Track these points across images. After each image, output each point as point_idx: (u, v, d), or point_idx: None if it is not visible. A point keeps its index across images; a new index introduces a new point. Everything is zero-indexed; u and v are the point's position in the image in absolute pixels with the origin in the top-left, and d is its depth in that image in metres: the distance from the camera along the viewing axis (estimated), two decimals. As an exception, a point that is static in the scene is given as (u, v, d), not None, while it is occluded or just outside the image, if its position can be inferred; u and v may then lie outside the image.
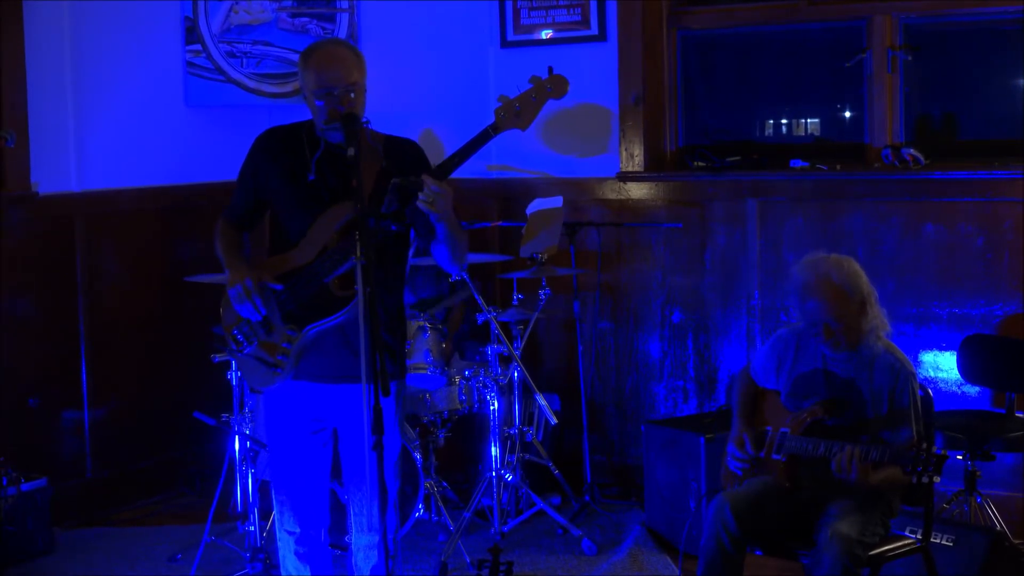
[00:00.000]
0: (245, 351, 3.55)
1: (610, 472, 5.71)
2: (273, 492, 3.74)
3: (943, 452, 3.52)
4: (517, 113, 3.42)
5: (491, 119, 3.42)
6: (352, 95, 3.41)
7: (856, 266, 3.77)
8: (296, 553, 3.70)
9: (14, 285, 5.18)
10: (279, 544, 3.75)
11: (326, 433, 3.65)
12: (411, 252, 5.23)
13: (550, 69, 3.49)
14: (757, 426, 3.93)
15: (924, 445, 3.55)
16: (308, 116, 3.56)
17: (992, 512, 4.45)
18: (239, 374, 4.62)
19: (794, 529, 3.77)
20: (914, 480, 3.52)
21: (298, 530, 3.68)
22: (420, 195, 3.28)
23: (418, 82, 5.86)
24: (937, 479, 3.52)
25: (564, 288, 5.54)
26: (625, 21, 5.52)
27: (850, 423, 3.75)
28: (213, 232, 3.63)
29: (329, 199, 3.44)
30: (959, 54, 5.23)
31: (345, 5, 5.77)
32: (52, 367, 5.35)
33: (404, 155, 3.52)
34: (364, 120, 3.43)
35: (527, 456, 5.20)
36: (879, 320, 3.75)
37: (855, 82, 5.27)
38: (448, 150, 5.71)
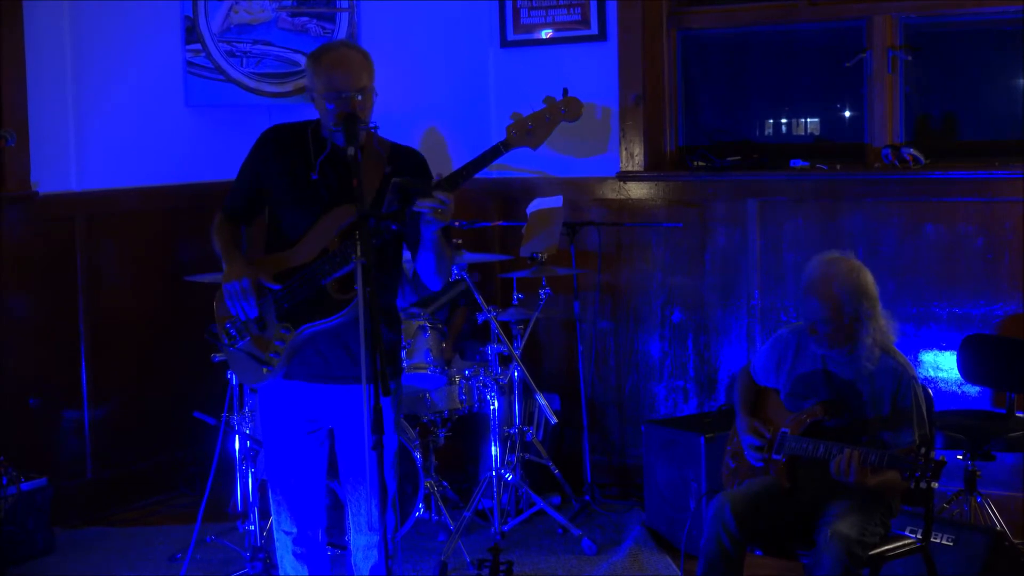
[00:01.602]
0: (237, 345, 3.55)
1: (610, 472, 5.72)
2: (270, 492, 3.74)
3: (941, 458, 3.52)
4: (529, 131, 3.42)
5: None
6: (360, 98, 3.42)
7: (864, 280, 3.71)
8: (294, 553, 3.70)
9: (14, 285, 5.18)
10: (277, 544, 3.75)
11: (322, 433, 3.65)
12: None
13: (565, 91, 3.48)
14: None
15: (923, 450, 3.55)
16: (311, 114, 3.56)
17: (992, 512, 4.45)
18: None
19: (794, 529, 3.78)
20: (912, 485, 3.52)
21: (295, 530, 3.68)
22: (426, 203, 3.27)
23: (418, 82, 5.85)
24: (935, 485, 3.52)
25: (564, 288, 5.54)
26: (625, 21, 5.53)
27: (850, 424, 3.75)
28: (210, 226, 3.63)
29: (329, 199, 3.44)
30: (959, 54, 5.23)
31: (345, 5, 5.77)
32: (52, 367, 5.35)
33: (408, 163, 3.53)
34: (373, 125, 3.44)
35: (527, 456, 5.20)
36: (882, 333, 3.73)
37: (855, 82, 5.27)
38: (449, 148, 5.74)
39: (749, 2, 5.49)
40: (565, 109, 3.45)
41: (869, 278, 3.75)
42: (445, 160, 5.51)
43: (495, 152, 3.39)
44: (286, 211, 3.52)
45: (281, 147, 3.54)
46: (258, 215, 3.67)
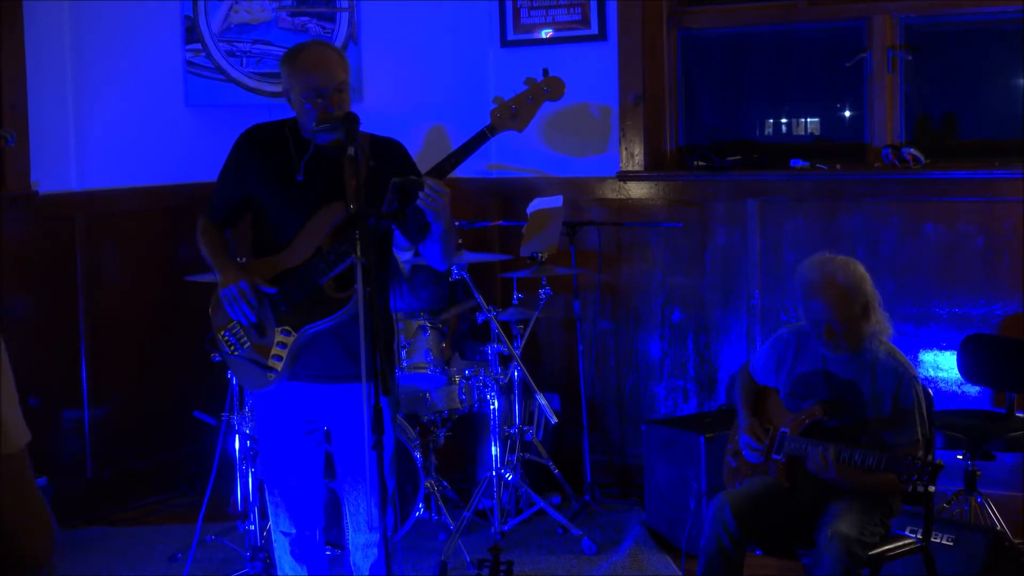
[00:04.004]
0: (238, 353, 3.54)
1: (610, 472, 5.71)
2: (267, 494, 3.73)
3: (939, 461, 3.52)
4: (513, 115, 3.42)
5: (489, 120, 3.42)
6: (339, 94, 3.41)
7: (862, 269, 3.77)
8: (292, 554, 3.70)
9: (14, 285, 5.18)
10: (275, 545, 3.75)
11: (319, 433, 3.65)
12: (411, 253, 5.25)
13: (545, 71, 3.49)
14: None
15: (920, 453, 3.55)
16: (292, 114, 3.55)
17: (992, 512, 4.45)
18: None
19: (794, 529, 3.78)
20: (909, 489, 3.53)
21: (294, 531, 3.67)
22: (421, 194, 3.28)
23: (418, 81, 5.85)
24: (932, 489, 3.51)
25: (564, 288, 5.54)
26: (625, 21, 5.52)
27: (850, 424, 3.75)
28: (195, 231, 3.62)
29: (317, 200, 3.43)
30: (959, 54, 5.23)
31: (345, 4, 5.77)
32: (52, 367, 5.34)
33: (390, 154, 3.52)
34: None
35: (527, 455, 5.20)
36: (881, 324, 3.75)
37: (855, 82, 5.27)
38: (449, 147, 5.73)
39: (749, 2, 5.48)
40: (548, 89, 3.46)
41: (862, 267, 3.78)
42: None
43: (481, 137, 3.39)
44: (273, 213, 3.50)
45: (262, 149, 3.52)
46: (243, 218, 3.65)
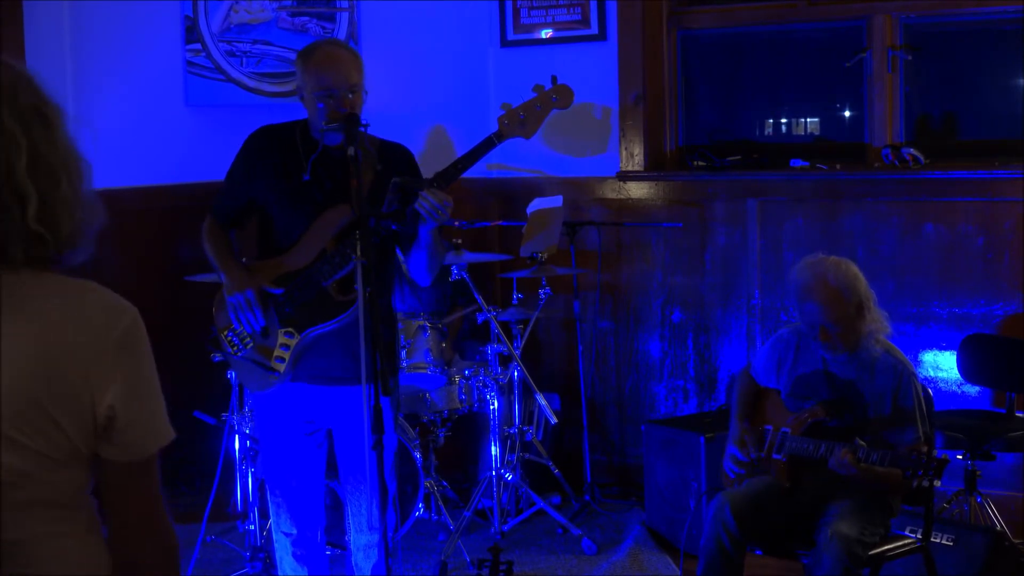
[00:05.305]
0: (241, 354, 3.53)
1: (610, 472, 5.71)
2: (268, 494, 3.73)
3: (944, 456, 3.52)
4: (522, 122, 3.40)
5: (491, 120, 3.41)
6: (351, 96, 3.40)
7: (854, 268, 3.76)
8: (293, 554, 3.70)
9: (14, 285, 5.17)
10: (276, 546, 3.75)
11: (320, 434, 3.64)
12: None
13: (554, 78, 3.46)
14: (758, 425, 3.93)
15: (925, 449, 3.55)
16: (305, 115, 3.54)
17: (992, 512, 4.45)
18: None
19: (794, 529, 3.78)
20: (914, 484, 3.52)
21: (295, 531, 3.67)
22: (422, 200, 3.26)
23: (418, 82, 5.85)
24: (938, 483, 3.51)
25: (564, 288, 5.54)
26: (625, 21, 5.52)
27: (851, 424, 3.75)
28: (200, 231, 3.61)
29: (323, 200, 3.42)
30: (959, 54, 5.23)
31: (345, 4, 5.77)
32: (52, 367, 5.32)
33: (397, 159, 3.51)
34: (365, 123, 3.42)
35: (527, 455, 5.20)
36: (878, 323, 3.74)
37: (855, 82, 5.27)
38: (449, 147, 5.73)
39: (749, 2, 5.48)
40: (556, 97, 3.43)
41: (855, 266, 3.78)
42: (444, 160, 5.48)
43: (488, 144, 3.37)
44: (279, 214, 3.49)
45: (271, 150, 3.51)
46: (249, 219, 3.64)
